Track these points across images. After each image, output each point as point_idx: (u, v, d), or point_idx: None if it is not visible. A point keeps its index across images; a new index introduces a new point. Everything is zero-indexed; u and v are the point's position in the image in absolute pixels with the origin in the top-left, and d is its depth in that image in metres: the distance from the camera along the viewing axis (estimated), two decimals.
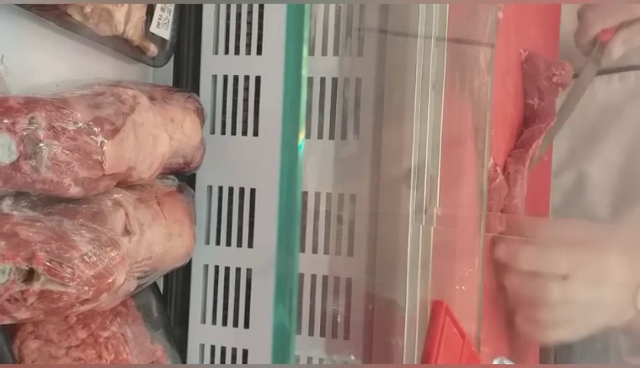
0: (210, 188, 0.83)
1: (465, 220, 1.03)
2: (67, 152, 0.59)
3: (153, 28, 0.75)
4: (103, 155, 0.61)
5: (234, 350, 0.82)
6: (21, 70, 0.65)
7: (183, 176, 0.81)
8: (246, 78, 0.82)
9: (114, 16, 0.69)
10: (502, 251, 1.10)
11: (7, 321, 0.59)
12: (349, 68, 0.84)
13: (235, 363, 0.82)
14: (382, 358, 0.86)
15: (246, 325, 0.81)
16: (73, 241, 0.59)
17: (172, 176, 0.79)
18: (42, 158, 0.59)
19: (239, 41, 0.82)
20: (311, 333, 0.83)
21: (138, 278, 0.68)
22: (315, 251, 0.84)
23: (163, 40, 0.77)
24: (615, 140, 1.38)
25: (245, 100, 0.82)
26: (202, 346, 0.83)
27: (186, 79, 0.83)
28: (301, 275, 0.83)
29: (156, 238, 0.70)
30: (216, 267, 0.83)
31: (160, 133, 0.70)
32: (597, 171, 1.42)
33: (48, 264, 0.58)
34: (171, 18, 0.77)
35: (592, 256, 1.12)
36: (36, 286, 0.58)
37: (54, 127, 0.59)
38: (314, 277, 0.84)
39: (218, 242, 0.83)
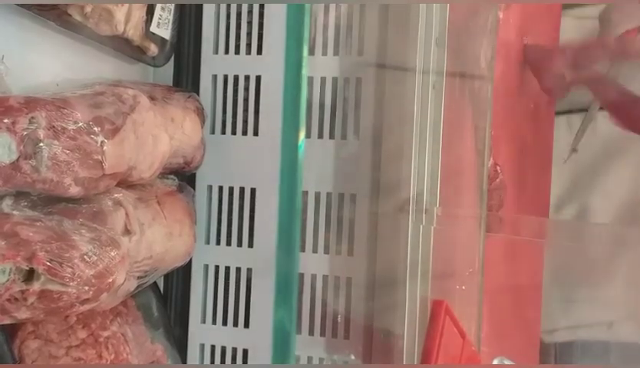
0: (210, 187, 0.83)
1: (465, 220, 1.03)
2: (68, 151, 0.59)
3: (153, 28, 0.75)
4: (103, 154, 0.61)
5: (234, 350, 0.82)
6: (22, 69, 0.65)
7: (184, 176, 0.81)
8: (246, 78, 0.82)
9: (115, 16, 0.69)
10: None
11: (7, 321, 0.59)
12: (349, 68, 0.84)
13: (235, 362, 0.82)
14: (382, 357, 0.86)
15: (246, 325, 0.81)
16: (73, 241, 0.59)
17: (172, 176, 0.79)
18: (42, 158, 0.59)
19: (239, 41, 0.82)
20: (311, 332, 0.83)
21: (138, 278, 0.68)
22: (315, 250, 0.84)
23: (163, 40, 0.77)
24: (617, 174, 1.38)
25: (246, 99, 0.82)
26: (202, 346, 0.83)
27: (187, 79, 0.83)
28: (302, 275, 0.83)
29: (157, 238, 0.70)
30: (216, 267, 0.83)
31: (160, 132, 0.70)
32: (599, 205, 1.41)
33: (48, 263, 0.57)
34: (171, 17, 0.77)
35: None
36: (36, 286, 0.58)
37: (54, 127, 0.59)
38: (314, 276, 0.84)
39: (218, 242, 0.83)
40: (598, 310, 1.38)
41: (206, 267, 0.83)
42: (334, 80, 0.84)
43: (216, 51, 0.83)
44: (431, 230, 0.88)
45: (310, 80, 0.83)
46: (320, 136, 0.84)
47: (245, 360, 0.81)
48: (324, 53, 0.84)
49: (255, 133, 0.81)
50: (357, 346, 0.84)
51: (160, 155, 0.70)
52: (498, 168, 1.18)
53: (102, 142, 0.61)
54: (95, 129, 0.61)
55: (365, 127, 0.84)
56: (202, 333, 0.83)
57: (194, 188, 0.83)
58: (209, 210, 0.83)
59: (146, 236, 0.68)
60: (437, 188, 0.89)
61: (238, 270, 0.82)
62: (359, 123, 0.84)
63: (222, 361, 0.82)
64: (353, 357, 0.84)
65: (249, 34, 0.82)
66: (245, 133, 0.82)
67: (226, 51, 0.83)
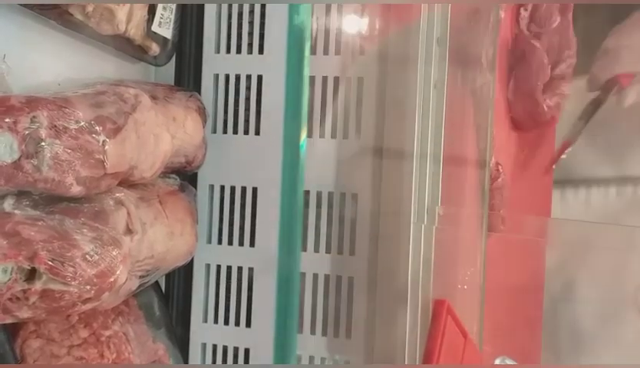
0: (212, 187, 0.83)
1: (467, 219, 1.03)
2: (69, 151, 0.59)
3: (154, 27, 0.75)
4: (105, 154, 0.61)
5: (236, 349, 0.82)
6: (23, 69, 0.65)
7: (185, 175, 0.81)
8: (248, 77, 0.82)
9: (116, 15, 0.69)
10: None
11: (9, 320, 0.59)
12: (351, 67, 0.84)
13: (236, 362, 0.82)
14: (384, 357, 0.86)
15: (248, 324, 0.81)
16: (75, 240, 0.59)
17: (174, 175, 0.79)
18: (44, 157, 0.58)
19: (240, 40, 0.82)
20: (312, 332, 0.83)
21: (140, 277, 0.68)
22: (316, 250, 0.84)
23: (164, 39, 0.77)
24: (607, 252, 1.37)
25: (247, 99, 0.82)
26: (204, 345, 0.83)
27: (188, 78, 0.83)
28: (303, 274, 0.83)
29: (158, 237, 0.70)
30: (218, 267, 0.83)
31: (161, 132, 0.70)
32: (586, 282, 1.41)
33: (50, 263, 0.57)
34: (173, 17, 0.77)
35: None
36: (38, 285, 0.58)
37: (55, 126, 0.59)
38: (315, 276, 0.84)
39: (220, 241, 0.83)
40: None
41: (208, 266, 0.83)
42: (336, 79, 0.84)
43: (218, 51, 0.83)
44: (433, 229, 0.88)
45: (312, 79, 0.83)
46: (322, 135, 0.84)
47: (246, 360, 0.81)
48: (326, 52, 0.84)
49: (257, 133, 0.81)
50: (358, 346, 0.84)
51: (162, 154, 0.70)
52: (500, 167, 1.18)
53: (104, 141, 0.61)
54: (97, 128, 0.61)
55: (367, 126, 0.84)
56: (203, 332, 0.83)
57: (196, 188, 0.83)
58: (211, 209, 0.83)
59: (148, 235, 0.68)
60: (439, 187, 0.89)
61: (239, 269, 0.82)
62: (361, 122, 0.84)
63: (224, 360, 0.82)
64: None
65: (251, 33, 0.82)
66: (246, 132, 0.82)
67: (228, 51, 0.83)
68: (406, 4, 0.88)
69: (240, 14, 0.82)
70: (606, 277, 1.31)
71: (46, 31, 0.68)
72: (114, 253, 0.61)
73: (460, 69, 0.96)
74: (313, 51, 0.83)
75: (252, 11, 0.82)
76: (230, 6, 0.83)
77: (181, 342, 0.82)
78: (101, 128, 0.62)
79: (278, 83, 0.78)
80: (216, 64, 0.83)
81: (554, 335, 1.41)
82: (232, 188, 0.82)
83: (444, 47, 0.89)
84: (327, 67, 0.84)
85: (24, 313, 0.59)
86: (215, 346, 0.83)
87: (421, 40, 0.87)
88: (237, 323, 0.82)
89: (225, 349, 0.82)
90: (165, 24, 0.76)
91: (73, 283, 0.58)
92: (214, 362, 0.83)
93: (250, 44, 0.82)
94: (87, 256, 0.59)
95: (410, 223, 0.86)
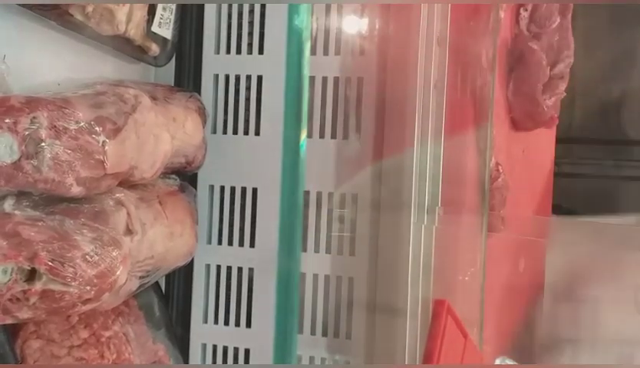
0: (212, 187, 0.83)
1: (467, 219, 1.03)
2: (69, 151, 0.59)
3: (154, 28, 0.75)
4: (105, 154, 0.61)
5: (236, 350, 0.82)
6: (23, 69, 0.65)
7: (185, 176, 0.81)
8: (248, 77, 0.82)
9: (116, 15, 0.69)
10: None
11: (9, 321, 0.59)
12: (351, 67, 0.84)
13: (237, 362, 0.82)
14: (384, 357, 0.86)
15: (248, 325, 0.81)
16: (75, 241, 0.59)
17: (174, 176, 0.79)
18: (44, 157, 0.58)
19: (240, 41, 0.82)
20: (313, 332, 0.83)
21: (140, 278, 0.68)
22: (316, 250, 0.84)
23: (164, 39, 0.77)
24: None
25: (247, 99, 0.82)
26: (204, 346, 0.83)
27: (188, 78, 0.83)
28: (303, 275, 0.83)
29: (158, 238, 0.70)
30: (218, 267, 0.83)
31: (161, 132, 0.70)
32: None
33: (50, 263, 0.57)
34: (173, 17, 0.77)
35: None
36: (38, 285, 0.58)
37: (55, 127, 0.59)
38: (316, 276, 0.84)
39: (220, 242, 0.83)
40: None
41: (208, 267, 0.83)
42: (336, 79, 0.84)
43: (218, 51, 0.83)
44: (433, 229, 0.88)
45: (312, 79, 0.83)
46: (322, 135, 0.84)
47: (247, 360, 0.81)
48: (326, 52, 0.84)
49: (257, 133, 0.81)
50: (359, 346, 0.84)
51: (162, 154, 0.70)
52: (500, 167, 1.18)
53: (104, 141, 0.61)
54: (97, 128, 0.61)
55: (367, 126, 0.84)
56: (203, 333, 0.83)
57: (196, 188, 0.83)
58: (211, 210, 0.83)
59: (148, 236, 0.68)
60: (439, 187, 0.89)
61: (239, 270, 0.82)
62: (361, 123, 0.84)
63: (224, 361, 0.82)
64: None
65: (251, 33, 0.81)
66: (246, 132, 0.82)
67: (228, 51, 0.82)
68: (406, 5, 0.88)
69: (240, 15, 0.82)
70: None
71: (46, 32, 0.68)
72: (114, 253, 0.61)
73: (460, 69, 0.96)
74: (313, 51, 0.83)
75: (252, 11, 0.82)
76: (230, 6, 0.83)
77: (181, 342, 0.82)
78: (101, 128, 0.61)
79: (278, 83, 0.78)
80: (215, 64, 0.83)
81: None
82: (232, 189, 0.82)
83: (444, 46, 0.89)
84: (327, 68, 0.84)
85: (25, 314, 0.59)
86: (215, 347, 0.83)
87: (421, 39, 0.87)
88: (237, 324, 0.82)
89: (225, 349, 0.82)
90: (165, 25, 0.76)
91: (73, 283, 0.58)
92: (214, 362, 0.83)
93: (250, 45, 0.82)
94: (87, 256, 0.59)
95: (411, 223, 0.86)
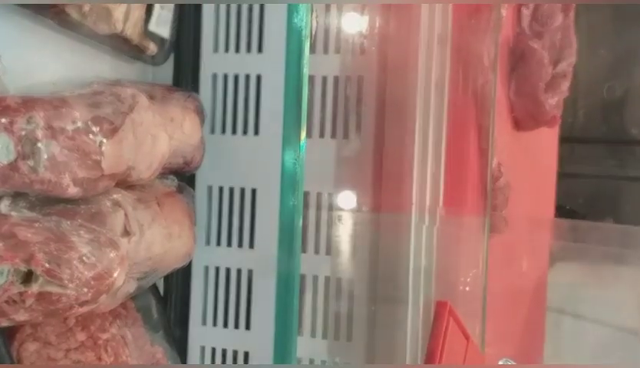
0: (210, 188, 0.82)
1: (469, 220, 1.02)
2: (66, 151, 0.59)
3: (152, 27, 0.75)
4: (102, 155, 0.61)
5: (235, 352, 0.81)
6: (19, 69, 0.65)
7: (183, 176, 0.81)
8: (247, 77, 0.81)
9: (113, 14, 0.68)
10: None
11: (5, 323, 0.59)
12: (351, 66, 0.84)
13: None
14: (385, 359, 0.85)
15: (247, 327, 0.81)
16: (72, 242, 0.59)
17: (171, 176, 0.79)
18: (40, 158, 0.58)
19: (239, 39, 0.81)
20: (313, 334, 0.83)
21: (138, 279, 0.68)
22: (316, 251, 0.83)
23: (162, 38, 0.77)
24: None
25: (246, 99, 0.81)
26: (203, 348, 0.82)
27: (186, 78, 0.83)
28: (303, 276, 0.82)
29: (156, 239, 0.69)
30: (217, 268, 0.82)
31: (159, 132, 0.70)
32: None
33: (47, 265, 0.57)
34: (170, 16, 0.77)
35: None
36: (34, 287, 0.57)
37: (52, 127, 0.58)
38: (315, 278, 0.83)
39: (218, 243, 0.82)
40: None
41: (207, 268, 0.83)
42: (336, 78, 0.83)
43: (216, 50, 0.82)
44: (434, 230, 0.88)
45: (311, 78, 0.82)
46: (321, 135, 0.84)
47: (246, 363, 0.81)
48: (326, 51, 0.83)
49: (256, 133, 0.81)
50: (359, 348, 0.83)
51: (159, 155, 0.70)
52: (502, 167, 1.17)
53: (101, 142, 0.61)
54: (94, 128, 0.61)
55: (367, 126, 0.84)
56: (202, 335, 0.82)
57: (194, 189, 0.82)
58: (209, 211, 0.82)
59: (146, 237, 0.67)
60: (440, 187, 0.89)
61: (238, 271, 0.81)
62: (361, 122, 0.83)
63: (223, 363, 0.82)
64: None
65: (250, 32, 0.81)
66: (245, 132, 0.81)
67: (226, 50, 0.82)
68: (406, 3, 0.88)
69: (239, 13, 0.82)
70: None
71: (43, 31, 0.67)
72: (112, 255, 0.61)
73: (461, 68, 0.96)
74: (313, 50, 0.82)
75: (250, 10, 0.81)
76: (228, 5, 0.82)
77: (180, 345, 0.82)
78: (98, 128, 0.61)
79: (278, 82, 0.78)
80: (214, 63, 0.82)
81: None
82: (231, 189, 0.82)
83: (445, 45, 0.89)
84: (326, 67, 0.83)
85: (21, 316, 0.58)
86: (214, 349, 0.82)
87: (422, 38, 0.86)
88: (236, 326, 0.81)
89: (224, 352, 0.82)
90: (162, 24, 0.76)
91: (70, 285, 0.58)
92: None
93: (249, 43, 0.81)
94: (84, 258, 0.59)
95: (412, 224, 0.85)
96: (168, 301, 0.83)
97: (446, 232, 0.89)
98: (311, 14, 0.79)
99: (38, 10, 0.65)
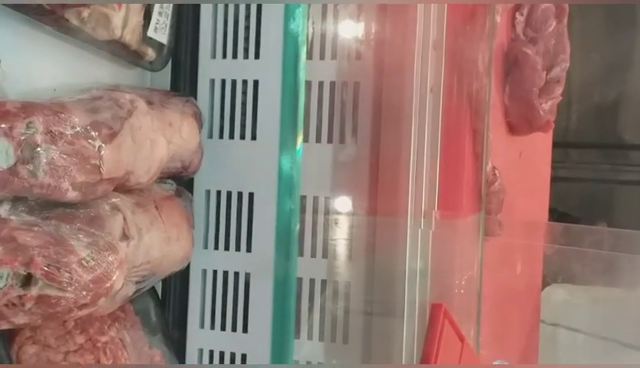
0: (208, 192, 0.83)
1: (464, 223, 1.03)
2: (65, 156, 0.59)
3: (150, 33, 0.75)
4: (100, 159, 0.61)
5: (232, 355, 0.82)
6: (19, 74, 0.65)
7: (181, 181, 0.81)
8: (244, 82, 0.82)
9: (112, 20, 0.69)
10: None
11: (5, 326, 0.59)
12: (347, 72, 0.84)
13: None
14: (381, 361, 0.86)
15: (245, 329, 0.81)
16: (71, 246, 0.59)
17: (170, 181, 0.79)
18: (40, 162, 0.58)
19: (236, 45, 0.82)
20: (310, 337, 0.83)
21: (136, 283, 0.68)
22: (313, 255, 0.84)
23: (160, 44, 0.77)
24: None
25: (243, 104, 0.82)
26: (201, 351, 0.83)
27: (184, 83, 0.83)
28: (300, 279, 0.83)
29: (155, 243, 0.70)
30: (215, 272, 0.83)
31: (157, 137, 0.70)
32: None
33: (46, 268, 0.57)
34: (169, 22, 0.77)
35: None
36: (34, 291, 0.58)
37: (51, 132, 0.59)
38: (312, 281, 0.84)
39: (216, 246, 0.82)
40: None
41: (204, 271, 0.83)
42: (332, 84, 0.84)
43: (214, 56, 0.83)
44: (430, 233, 0.88)
45: (308, 84, 0.83)
46: (318, 140, 0.84)
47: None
48: (322, 57, 0.84)
49: (253, 138, 0.81)
50: (356, 351, 0.84)
51: (158, 159, 0.70)
52: (496, 171, 1.18)
53: (99, 146, 0.61)
54: (93, 133, 0.61)
55: (364, 131, 0.84)
56: (200, 338, 0.83)
57: (192, 193, 0.82)
58: (207, 215, 0.83)
59: (144, 241, 0.68)
60: (436, 191, 0.89)
61: (236, 274, 0.82)
62: (357, 127, 0.84)
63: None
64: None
65: (247, 38, 0.81)
66: (242, 137, 0.82)
67: (224, 56, 0.82)
68: (402, 9, 0.88)
69: (236, 19, 0.82)
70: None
71: (42, 37, 0.68)
72: (110, 258, 0.61)
73: (456, 73, 0.96)
74: (309, 56, 0.83)
75: (247, 16, 0.82)
76: (226, 11, 0.82)
77: (178, 348, 0.82)
78: (97, 133, 0.61)
79: (275, 88, 0.78)
80: (211, 69, 0.83)
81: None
82: (229, 194, 0.82)
83: (441, 50, 0.89)
84: (323, 72, 0.84)
85: (20, 319, 0.58)
86: (212, 352, 0.82)
87: (417, 43, 0.87)
88: (234, 329, 0.81)
89: (222, 354, 0.82)
90: (161, 30, 0.76)
91: (69, 288, 0.58)
92: None
93: (246, 49, 0.82)
94: (83, 262, 0.59)
95: (407, 227, 0.86)
96: (166, 304, 0.83)
97: (441, 236, 0.90)
98: (308, 20, 0.79)
99: (38, 16, 0.65)
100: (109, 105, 0.65)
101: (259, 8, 0.80)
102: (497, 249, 1.18)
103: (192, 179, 0.83)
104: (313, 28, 0.84)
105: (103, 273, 0.60)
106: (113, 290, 0.62)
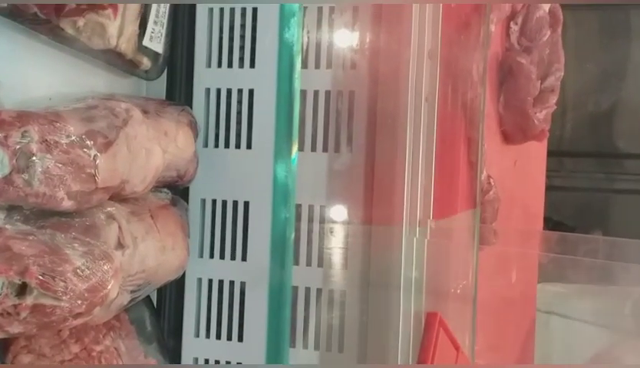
0: (204, 201, 0.83)
1: (459, 232, 1.03)
2: (60, 165, 0.59)
3: (146, 42, 0.75)
4: (96, 168, 0.61)
5: (228, 364, 0.82)
6: (14, 83, 0.65)
7: (177, 190, 0.81)
8: (239, 91, 0.82)
9: (107, 30, 0.69)
10: None
11: (0, 336, 0.59)
12: (342, 81, 0.84)
13: None
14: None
15: (240, 338, 0.81)
16: (66, 255, 0.59)
17: (165, 190, 0.79)
18: (35, 171, 0.58)
19: (232, 54, 0.82)
20: (305, 346, 0.83)
21: (131, 292, 0.68)
22: (308, 263, 0.84)
23: (156, 53, 0.78)
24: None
25: (239, 112, 0.82)
26: (196, 360, 0.83)
27: (180, 92, 0.83)
28: (295, 288, 0.83)
29: (150, 252, 0.70)
30: (210, 281, 0.83)
31: (153, 146, 0.70)
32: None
33: (41, 277, 0.57)
34: (164, 31, 0.77)
35: None
36: (29, 300, 0.57)
37: (47, 141, 0.59)
38: (308, 289, 0.84)
39: (211, 255, 0.82)
40: None
41: (200, 280, 0.83)
42: (327, 93, 0.84)
43: (209, 65, 0.83)
44: (425, 242, 0.88)
45: (303, 93, 0.83)
46: (313, 148, 0.84)
47: None
48: (317, 66, 0.84)
49: (249, 147, 0.81)
50: (351, 359, 0.84)
51: (153, 168, 0.70)
52: (491, 180, 1.18)
53: (95, 155, 0.61)
54: (88, 142, 0.61)
55: (359, 140, 0.84)
56: (195, 346, 0.83)
57: (187, 202, 0.83)
58: (203, 223, 0.83)
59: (140, 250, 0.68)
60: (431, 200, 0.89)
61: (231, 283, 0.82)
62: (352, 136, 0.84)
63: None
64: None
65: (242, 47, 0.82)
66: (238, 146, 0.82)
67: (219, 65, 0.83)
68: (397, 18, 0.89)
69: (231, 28, 0.82)
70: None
71: (37, 46, 0.68)
72: (105, 267, 0.61)
73: (451, 82, 0.96)
74: (304, 65, 0.83)
75: (243, 25, 0.82)
76: (221, 20, 0.83)
77: (173, 357, 0.82)
78: (92, 142, 0.61)
79: (270, 97, 0.78)
80: (207, 78, 0.83)
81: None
82: (224, 202, 0.82)
83: (436, 60, 0.90)
84: (318, 81, 0.84)
85: (15, 329, 0.58)
86: (207, 361, 0.82)
87: (412, 53, 0.87)
88: (229, 338, 0.81)
89: (217, 363, 0.82)
90: (156, 39, 0.76)
91: (64, 297, 0.58)
92: None
93: (241, 58, 0.82)
94: (78, 271, 0.59)
95: (402, 236, 0.86)
96: (161, 313, 0.83)
97: (436, 244, 0.90)
98: (303, 29, 0.80)
99: (33, 25, 0.65)
100: (104, 114, 0.66)
101: (254, 17, 0.81)
102: (492, 258, 1.18)
103: (187, 188, 0.83)
104: (308, 37, 0.84)
105: (99, 282, 0.60)
106: (109, 299, 0.62)
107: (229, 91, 0.82)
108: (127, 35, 0.72)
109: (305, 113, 0.84)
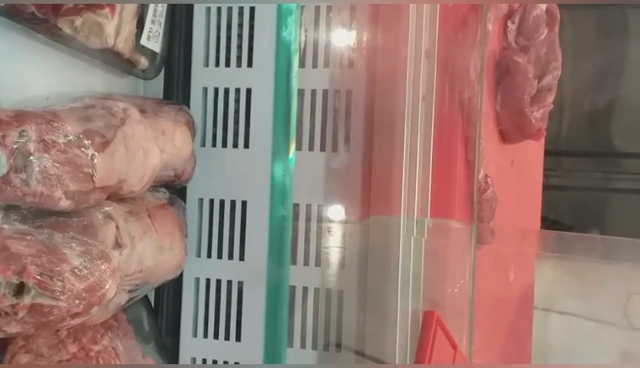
0: (201, 200, 0.83)
1: (456, 231, 1.03)
2: (58, 165, 0.59)
3: (143, 41, 0.75)
4: (93, 168, 0.61)
5: (225, 364, 0.82)
6: (12, 83, 0.65)
7: (174, 189, 0.81)
8: (237, 90, 0.82)
9: (105, 29, 0.69)
10: None
11: None
12: (340, 80, 0.84)
13: None
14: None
15: (238, 338, 0.81)
16: (63, 255, 0.59)
17: (163, 189, 0.79)
18: (32, 171, 0.58)
19: (229, 54, 0.82)
20: (302, 345, 0.83)
21: (129, 291, 0.68)
22: (306, 263, 0.84)
23: (153, 53, 0.78)
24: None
25: (236, 112, 0.82)
26: (194, 360, 0.83)
27: (177, 91, 0.83)
28: (293, 288, 0.83)
29: (147, 251, 0.70)
30: (207, 280, 0.83)
31: (150, 145, 0.70)
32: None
33: (39, 277, 0.57)
34: (161, 30, 0.77)
35: None
36: (26, 300, 0.57)
37: (44, 140, 0.59)
38: (305, 289, 0.84)
39: (209, 255, 0.83)
40: None
41: (197, 280, 0.83)
42: (325, 92, 0.84)
43: (207, 64, 0.83)
44: (422, 241, 0.88)
45: (300, 92, 0.83)
46: (311, 148, 0.84)
47: None
48: (315, 65, 0.84)
49: (246, 146, 0.81)
50: (349, 358, 0.84)
51: (151, 168, 0.70)
52: (489, 179, 1.18)
53: (92, 155, 0.61)
54: (85, 142, 0.61)
55: (356, 139, 0.84)
56: (193, 346, 0.83)
57: (185, 201, 0.83)
58: (200, 223, 0.83)
59: (137, 249, 0.68)
60: (428, 199, 0.90)
61: (229, 283, 0.82)
62: (350, 135, 0.84)
63: None
64: None
65: (240, 46, 0.82)
66: (235, 145, 0.82)
67: (217, 64, 0.83)
68: (394, 17, 0.89)
69: (229, 28, 0.82)
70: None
71: (35, 46, 0.68)
72: (103, 267, 0.61)
73: (448, 81, 0.97)
74: (302, 64, 0.83)
75: (240, 25, 0.82)
76: (219, 19, 0.83)
77: (171, 356, 0.82)
78: (90, 142, 0.61)
79: (267, 96, 0.78)
80: (204, 77, 0.83)
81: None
82: (222, 202, 0.82)
83: (433, 59, 0.90)
84: (316, 80, 0.84)
85: (13, 328, 0.58)
86: (205, 361, 0.82)
87: (410, 52, 0.87)
88: (227, 337, 0.81)
89: (215, 363, 0.82)
90: (154, 38, 0.76)
91: (62, 297, 0.58)
92: None
93: (239, 58, 0.82)
94: (75, 270, 0.59)
95: (400, 235, 0.86)
96: (159, 313, 0.83)
97: (433, 243, 0.90)
98: (300, 28, 0.80)
99: (31, 25, 0.65)
100: (102, 113, 0.65)
101: (252, 16, 0.81)
102: (489, 257, 1.18)
103: (185, 188, 0.83)
104: (305, 36, 0.84)
105: (96, 281, 0.60)
106: (106, 299, 0.62)
107: (226, 90, 0.82)
108: (124, 34, 0.72)
109: (303, 112, 0.84)
